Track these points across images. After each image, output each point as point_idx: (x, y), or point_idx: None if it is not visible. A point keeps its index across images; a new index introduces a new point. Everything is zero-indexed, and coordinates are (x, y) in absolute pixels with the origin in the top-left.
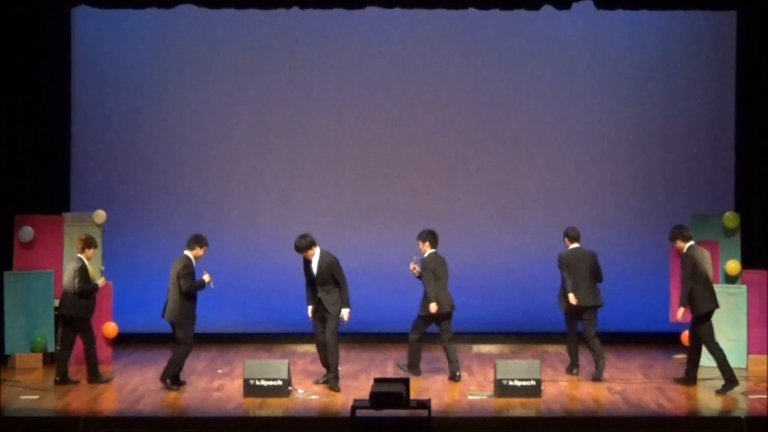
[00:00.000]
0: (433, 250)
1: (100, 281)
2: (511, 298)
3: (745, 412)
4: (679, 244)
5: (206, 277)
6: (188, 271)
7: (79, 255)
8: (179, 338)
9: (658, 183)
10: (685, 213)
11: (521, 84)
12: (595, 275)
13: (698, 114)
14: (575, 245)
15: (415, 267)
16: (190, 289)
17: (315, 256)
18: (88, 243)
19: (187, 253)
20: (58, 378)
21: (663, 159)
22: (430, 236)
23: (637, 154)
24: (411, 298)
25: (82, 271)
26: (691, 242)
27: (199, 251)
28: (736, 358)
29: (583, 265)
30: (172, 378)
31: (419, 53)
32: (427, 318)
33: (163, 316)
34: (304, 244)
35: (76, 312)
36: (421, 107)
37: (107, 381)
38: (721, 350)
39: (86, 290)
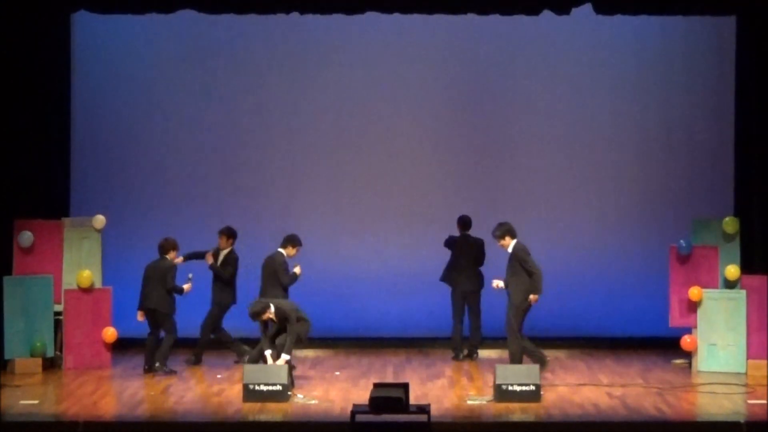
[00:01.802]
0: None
1: (186, 287)
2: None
3: (744, 417)
4: (507, 240)
5: (297, 270)
6: (285, 267)
7: (167, 257)
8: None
9: (657, 188)
10: (684, 218)
11: (521, 89)
12: (477, 261)
13: (698, 119)
14: (465, 232)
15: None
16: (290, 283)
17: None
18: (174, 246)
19: (281, 250)
20: (146, 366)
21: (662, 164)
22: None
23: (637, 158)
24: (410, 303)
25: (175, 270)
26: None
27: (291, 250)
28: (735, 363)
29: (470, 251)
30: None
31: (419, 58)
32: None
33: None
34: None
35: (163, 307)
36: (422, 112)
37: (175, 373)
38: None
39: (177, 289)
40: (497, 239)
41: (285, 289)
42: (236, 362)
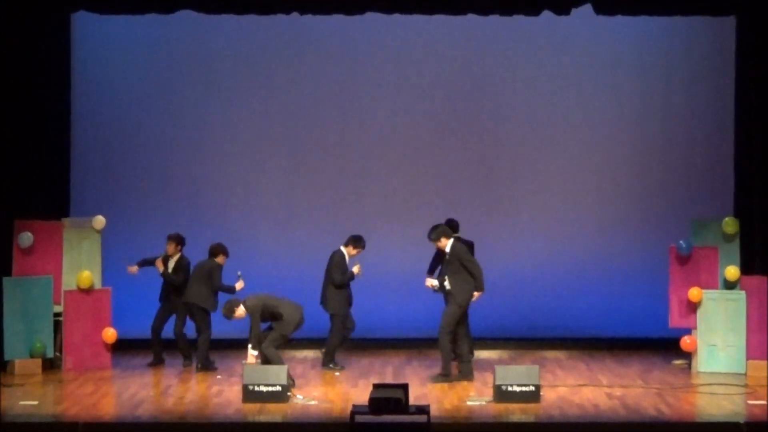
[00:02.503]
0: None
1: (238, 285)
2: (510, 304)
3: (744, 417)
4: (444, 241)
5: (356, 269)
6: (341, 265)
7: (215, 259)
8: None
9: (657, 188)
10: (684, 218)
11: (520, 89)
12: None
13: (698, 119)
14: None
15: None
16: (343, 281)
17: None
18: (223, 251)
19: (342, 249)
20: (187, 362)
21: (662, 164)
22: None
23: (636, 159)
24: (410, 303)
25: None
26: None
27: (352, 250)
28: (735, 364)
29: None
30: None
31: (419, 58)
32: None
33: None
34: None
35: (200, 302)
36: (421, 112)
37: (216, 369)
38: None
39: (225, 288)
40: (433, 241)
41: (338, 287)
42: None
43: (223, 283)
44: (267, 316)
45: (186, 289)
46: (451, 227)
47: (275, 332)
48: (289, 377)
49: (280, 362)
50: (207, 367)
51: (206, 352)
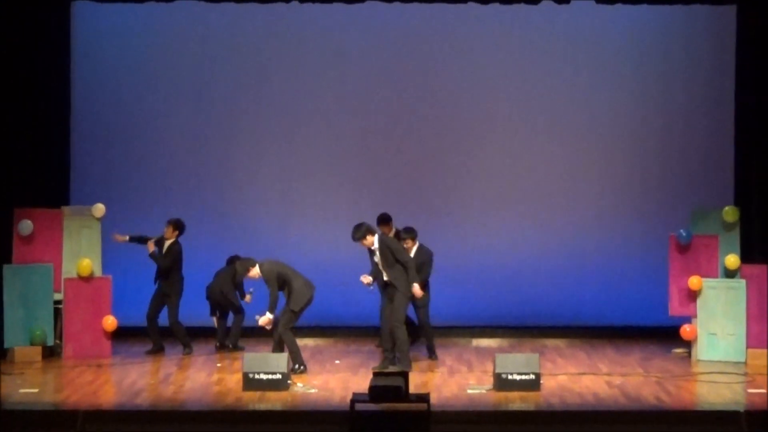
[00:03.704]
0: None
1: (247, 298)
2: (510, 292)
3: (743, 406)
4: (370, 239)
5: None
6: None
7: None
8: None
9: (656, 177)
10: (684, 207)
11: (520, 78)
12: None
13: (697, 108)
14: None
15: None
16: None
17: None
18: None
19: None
20: (217, 344)
21: (662, 153)
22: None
23: (636, 148)
24: None
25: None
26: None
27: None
28: (735, 353)
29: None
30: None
31: (418, 48)
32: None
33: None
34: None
35: (224, 300)
36: (420, 101)
37: (243, 349)
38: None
39: (233, 296)
40: (359, 241)
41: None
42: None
43: (236, 296)
44: (279, 284)
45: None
46: (388, 226)
47: (286, 313)
48: (301, 363)
49: (295, 347)
50: (239, 347)
51: (238, 333)
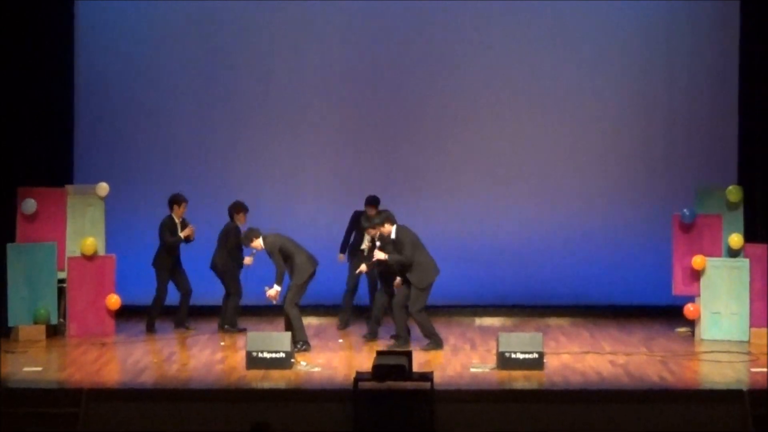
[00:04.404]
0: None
1: (247, 260)
2: (514, 271)
3: (746, 384)
4: (387, 227)
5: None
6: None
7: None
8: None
9: (660, 156)
10: (687, 186)
11: (525, 57)
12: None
13: (701, 86)
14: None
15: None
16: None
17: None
18: (239, 209)
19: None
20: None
21: (666, 131)
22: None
23: (640, 126)
24: None
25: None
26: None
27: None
28: (738, 332)
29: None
30: None
31: (423, 24)
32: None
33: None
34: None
35: (222, 265)
36: (422, 78)
37: (244, 330)
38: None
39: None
40: (377, 227)
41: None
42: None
43: (234, 268)
44: (283, 257)
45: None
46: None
47: (292, 288)
48: (305, 341)
49: (299, 323)
50: (233, 329)
51: (234, 315)
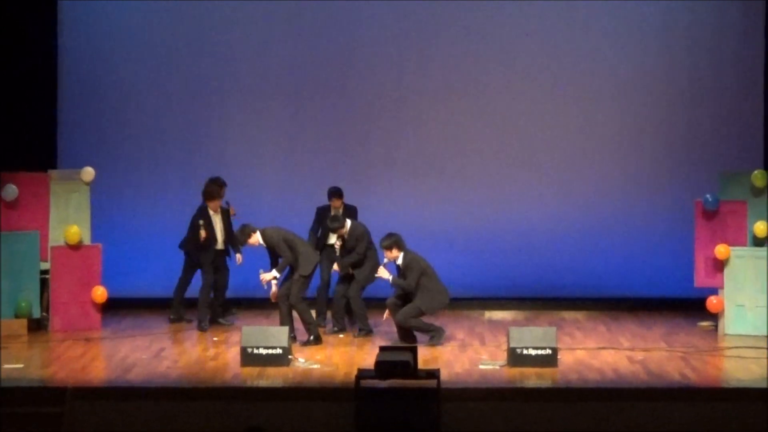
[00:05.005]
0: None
1: (238, 258)
2: (526, 261)
3: None
4: (395, 253)
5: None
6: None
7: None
8: None
9: (682, 139)
10: (710, 171)
11: (541, 34)
12: None
13: (726, 67)
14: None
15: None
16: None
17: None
18: (209, 194)
19: None
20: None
21: (688, 114)
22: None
23: (661, 108)
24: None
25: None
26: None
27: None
28: (764, 326)
29: None
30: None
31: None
32: None
33: None
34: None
35: (190, 249)
36: (431, 52)
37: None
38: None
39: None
40: (384, 249)
41: None
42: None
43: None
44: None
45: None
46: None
47: (297, 281)
48: (317, 335)
49: (310, 318)
50: (202, 327)
51: (201, 307)
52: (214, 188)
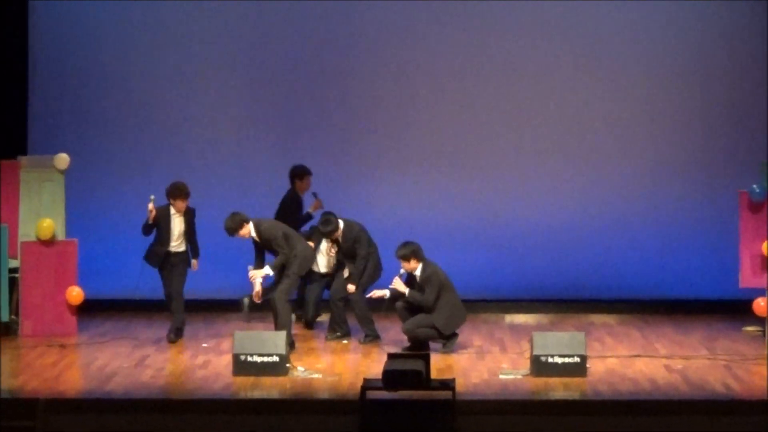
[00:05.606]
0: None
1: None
2: (550, 259)
3: None
4: (413, 264)
5: None
6: None
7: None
8: None
9: (723, 123)
10: (756, 159)
11: (568, 17)
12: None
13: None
14: None
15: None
16: None
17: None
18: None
19: None
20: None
21: (729, 98)
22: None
23: (699, 91)
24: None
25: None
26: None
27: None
28: None
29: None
30: None
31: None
32: None
33: None
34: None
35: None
36: (448, 33)
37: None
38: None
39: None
40: (401, 259)
41: None
42: None
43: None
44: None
45: None
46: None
47: (288, 277)
48: (291, 340)
49: (288, 318)
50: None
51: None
52: (175, 190)
